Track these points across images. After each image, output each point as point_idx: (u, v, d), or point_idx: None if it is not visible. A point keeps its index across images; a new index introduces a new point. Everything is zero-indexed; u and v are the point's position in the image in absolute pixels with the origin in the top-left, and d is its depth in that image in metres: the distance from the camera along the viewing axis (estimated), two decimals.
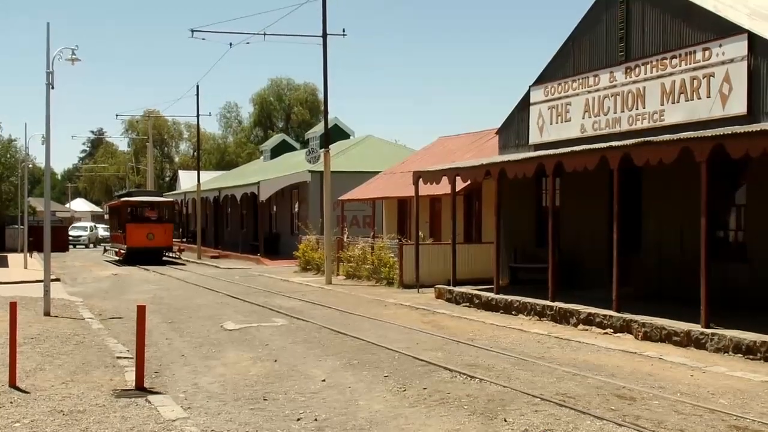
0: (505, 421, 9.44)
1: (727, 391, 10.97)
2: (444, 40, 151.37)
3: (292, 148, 67.60)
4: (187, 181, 74.23)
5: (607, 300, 17.05)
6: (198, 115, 52.96)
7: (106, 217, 79.34)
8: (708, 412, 9.81)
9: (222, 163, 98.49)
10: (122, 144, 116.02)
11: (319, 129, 57.75)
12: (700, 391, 10.97)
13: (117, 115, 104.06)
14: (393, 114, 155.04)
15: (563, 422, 9.35)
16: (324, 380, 11.87)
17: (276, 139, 71.47)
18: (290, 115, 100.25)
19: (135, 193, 51.83)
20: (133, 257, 44.27)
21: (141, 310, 11.77)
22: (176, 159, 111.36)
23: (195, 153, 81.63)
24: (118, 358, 13.74)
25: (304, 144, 64.68)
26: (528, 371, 12.39)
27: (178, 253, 48.09)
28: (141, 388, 11.24)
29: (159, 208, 48.19)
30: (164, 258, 46.69)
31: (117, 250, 48.87)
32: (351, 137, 57.06)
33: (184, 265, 43.59)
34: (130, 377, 11.82)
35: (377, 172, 38.70)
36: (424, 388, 11.21)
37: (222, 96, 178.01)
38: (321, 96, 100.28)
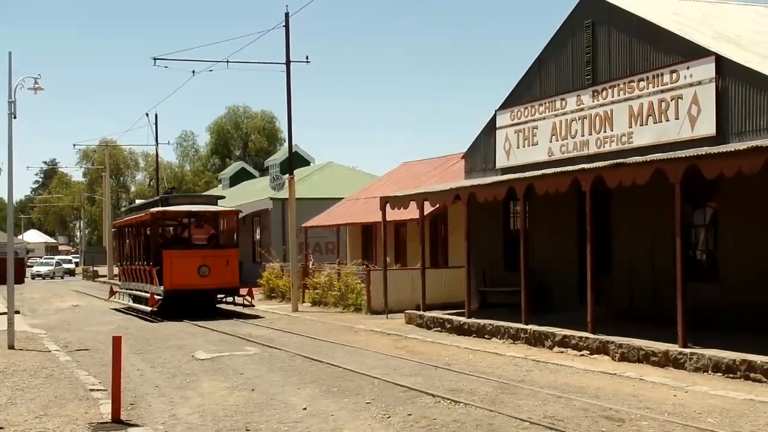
0: None
1: (713, 410, 10.96)
2: (405, 64, 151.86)
3: (251, 176, 67.32)
4: None
5: (579, 321, 17.04)
6: (156, 144, 52.57)
7: (64, 246, 77.09)
8: (698, 431, 9.77)
9: (179, 191, 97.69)
10: (77, 174, 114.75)
11: (279, 156, 57.58)
12: (687, 411, 10.94)
13: (74, 145, 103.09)
14: (352, 141, 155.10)
15: None
16: (305, 408, 11.65)
17: (235, 167, 71.20)
18: (248, 143, 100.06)
19: (173, 200, 30.66)
20: (175, 305, 26.94)
21: (117, 341, 11.52)
22: (132, 188, 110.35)
23: (151, 182, 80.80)
24: (91, 390, 13.37)
25: (263, 171, 64.42)
26: (512, 395, 12.29)
27: (249, 299, 28.45)
28: (118, 421, 10.95)
29: (216, 225, 29.41)
30: (219, 304, 28.79)
31: (147, 293, 28.28)
32: (311, 164, 56.98)
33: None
34: (106, 410, 11.51)
35: (339, 199, 38.56)
36: (409, 414, 11.05)
37: (177, 125, 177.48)
38: (278, 124, 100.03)
